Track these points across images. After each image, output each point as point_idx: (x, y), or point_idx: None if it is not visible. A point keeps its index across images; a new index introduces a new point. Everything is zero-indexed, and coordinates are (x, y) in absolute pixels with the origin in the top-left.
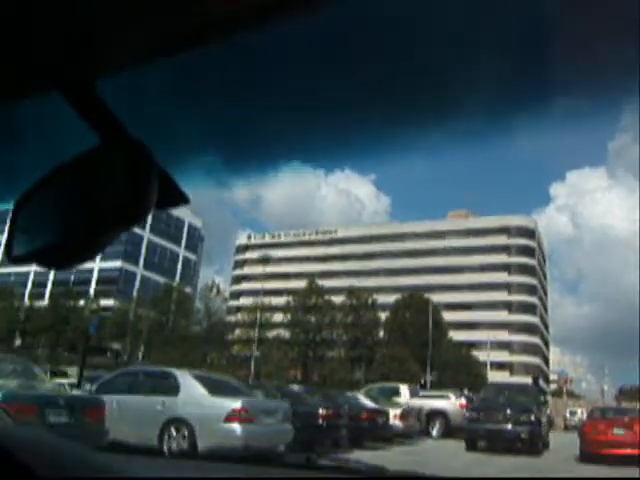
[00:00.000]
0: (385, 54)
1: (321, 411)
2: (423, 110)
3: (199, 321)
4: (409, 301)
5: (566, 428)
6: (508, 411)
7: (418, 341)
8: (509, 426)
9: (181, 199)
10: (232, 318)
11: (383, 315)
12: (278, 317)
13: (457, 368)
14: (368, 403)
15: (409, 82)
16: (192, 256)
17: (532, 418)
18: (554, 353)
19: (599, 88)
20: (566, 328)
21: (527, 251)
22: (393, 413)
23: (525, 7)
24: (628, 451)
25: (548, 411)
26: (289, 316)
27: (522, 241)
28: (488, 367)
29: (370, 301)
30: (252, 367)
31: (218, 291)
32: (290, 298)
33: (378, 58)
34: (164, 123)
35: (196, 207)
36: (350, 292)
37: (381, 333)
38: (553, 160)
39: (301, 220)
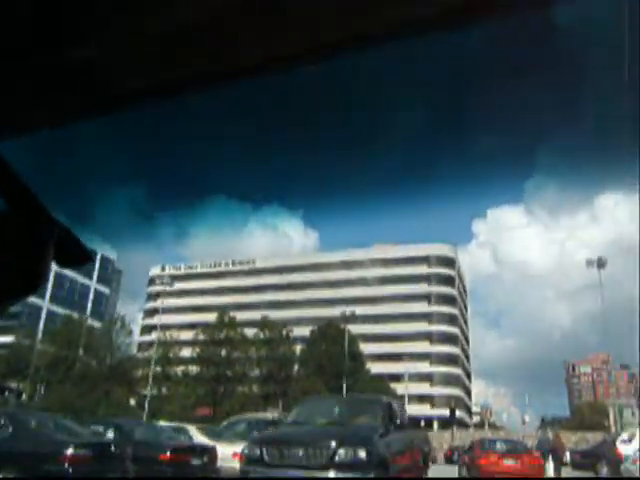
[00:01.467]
0: (309, 101)
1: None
2: (351, 154)
3: (103, 357)
4: (325, 331)
5: None
6: (328, 443)
7: (334, 373)
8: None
9: (85, 257)
10: (145, 354)
11: (301, 348)
12: (188, 352)
13: None
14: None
15: (338, 130)
16: (105, 289)
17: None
18: (479, 386)
19: (515, 128)
20: (490, 361)
21: (447, 280)
22: (232, 451)
23: (443, 58)
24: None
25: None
26: (198, 350)
27: (442, 270)
28: (406, 399)
29: (284, 333)
30: (146, 407)
31: (123, 324)
32: (200, 332)
33: (303, 102)
34: (88, 155)
35: (118, 242)
36: (263, 324)
37: (296, 367)
38: (474, 198)
39: (228, 256)
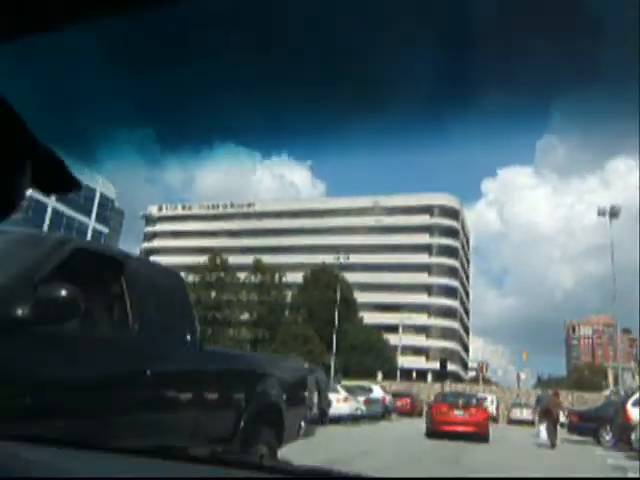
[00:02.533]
0: (324, 45)
1: None
2: (360, 102)
3: None
4: (318, 277)
5: None
6: None
7: (325, 320)
8: None
9: (69, 184)
10: None
11: (292, 293)
12: None
13: (367, 351)
14: None
15: (348, 76)
16: (104, 229)
17: None
18: (477, 342)
19: (530, 87)
20: (490, 319)
21: (450, 232)
22: None
23: (457, 7)
24: (462, 428)
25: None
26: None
27: (445, 221)
28: (399, 351)
29: (277, 278)
30: None
31: None
32: (191, 273)
33: (317, 49)
34: (90, 91)
35: (125, 185)
36: (256, 268)
37: (287, 312)
38: (485, 157)
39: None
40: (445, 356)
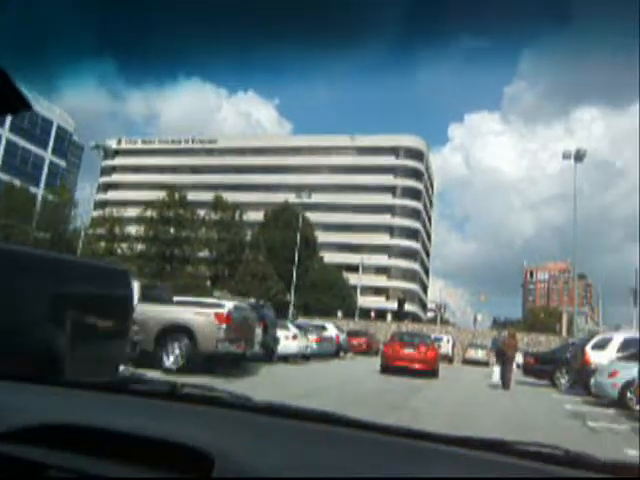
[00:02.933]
0: None
1: None
2: (328, 39)
3: (44, 228)
4: (279, 215)
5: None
6: None
7: (285, 258)
8: None
9: (20, 104)
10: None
11: (252, 231)
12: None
13: (327, 290)
14: None
15: (314, 11)
16: (61, 162)
17: None
18: (437, 284)
19: (500, 32)
20: (451, 263)
21: (415, 174)
22: None
23: None
24: (412, 365)
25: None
26: (145, 227)
27: (410, 163)
28: (358, 290)
29: (238, 216)
30: None
31: (60, 193)
32: (149, 209)
33: None
34: (50, 18)
35: (85, 118)
36: (215, 204)
37: (248, 251)
38: (454, 101)
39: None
40: (403, 296)
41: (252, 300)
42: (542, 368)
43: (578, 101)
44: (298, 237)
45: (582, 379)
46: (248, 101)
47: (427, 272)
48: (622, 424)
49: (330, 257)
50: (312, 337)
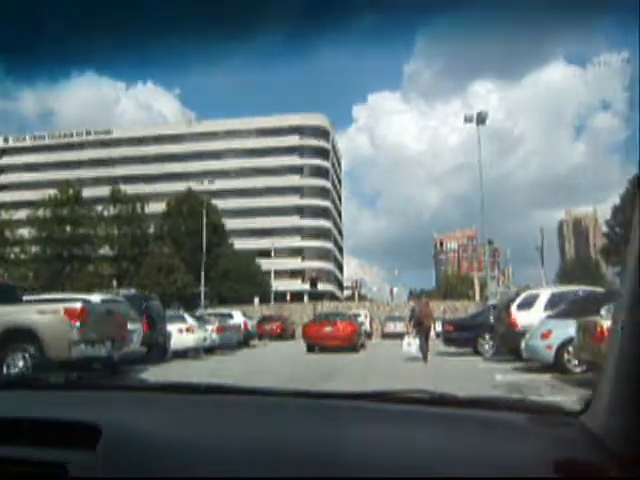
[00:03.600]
0: None
1: None
2: (227, 25)
3: None
4: (183, 202)
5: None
6: None
7: (193, 248)
8: None
9: None
10: None
11: (155, 222)
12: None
13: (239, 277)
14: None
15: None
16: None
17: None
18: (352, 263)
19: (395, 12)
20: (365, 241)
21: (321, 152)
22: None
23: None
24: (333, 342)
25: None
26: (38, 229)
27: (315, 142)
28: (272, 274)
29: (139, 208)
30: None
31: None
32: (41, 208)
33: None
34: None
35: None
36: (113, 199)
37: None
38: (356, 82)
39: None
40: (315, 275)
41: (130, 291)
42: (463, 335)
43: (474, 76)
44: (204, 224)
45: (509, 343)
46: (148, 93)
47: (341, 251)
48: (568, 393)
49: (242, 243)
50: (212, 327)
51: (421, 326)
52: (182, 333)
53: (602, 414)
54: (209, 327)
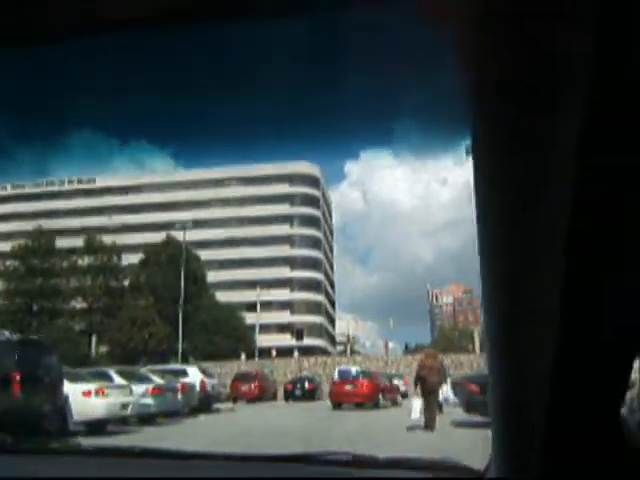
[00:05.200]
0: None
1: None
2: (224, 93)
3: None
4: (162, 250)
5: None
6: None
7: (171, 299)
8: None
9: None
10: None
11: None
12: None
13: (221, 330)
14: None
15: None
16: None
17: None
18: (346, 319)
19: (384, 71)
20: (358, 296)
21: (311, 200)
22: None
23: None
24: (355, 399)
25: None
26: (6, 280)
27: (305, 190)
28: (257, 328)
29: (115, 258)
30: None
31: None
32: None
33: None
34: None
35: None
36: (88, 248)
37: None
38: (347, 138)
39: None
40: (301, 327)
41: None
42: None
43: (462, 131)
44: (183, 274)
45: None
46: (142, 150)
47: (333, 304)
48: None
49: (228, 296)
50: (140, 389)
51: (425, 384)
52: (89, 396)
53: (496, 472)
54: (140, 388)
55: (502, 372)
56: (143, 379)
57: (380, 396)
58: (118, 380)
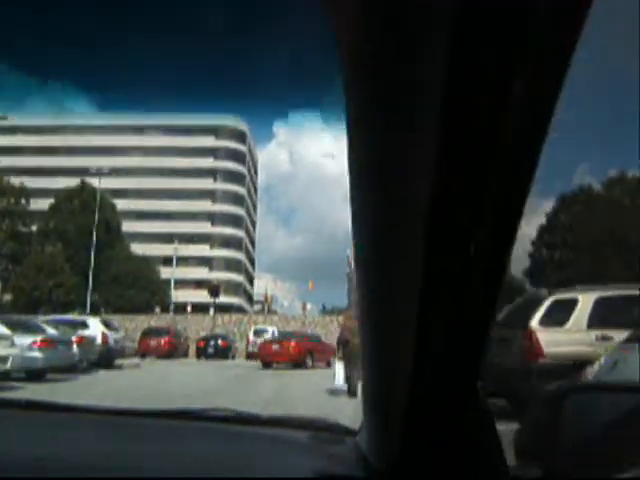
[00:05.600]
0: None
1: None
2: (152, 33)
3: None
4: (75, 196)
5: (249, 356)
6: None
7: (83, 248)
8: None
9: None
10: None
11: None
12: None
13: (134, 284)
14: None
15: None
16: None
17: None
18: (266, 279)
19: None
20: (279, 257)
21: (236, 156)
22: None
23: None
24: (282, 359)
25: None
26: None
27: (231, 144)
28: (172, 283)
29: (23, 202)
30: None
31: None
32: None
33: None
34: None
35: None
36: None
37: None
38: (278, 99)
39: None
40: (217, 283)
41: None
42: None
43: None
44: (96, 220)
45: (523, 388)
46: (60, 91)
47: (253, 263)
48: None
49: (145, 249)
50: (32, 340)
51: (346, 347)
52: None
53: (365, 432)
54: (26, 340)
55: (372, 341)
56: (33, 330)
57: (310, 357)
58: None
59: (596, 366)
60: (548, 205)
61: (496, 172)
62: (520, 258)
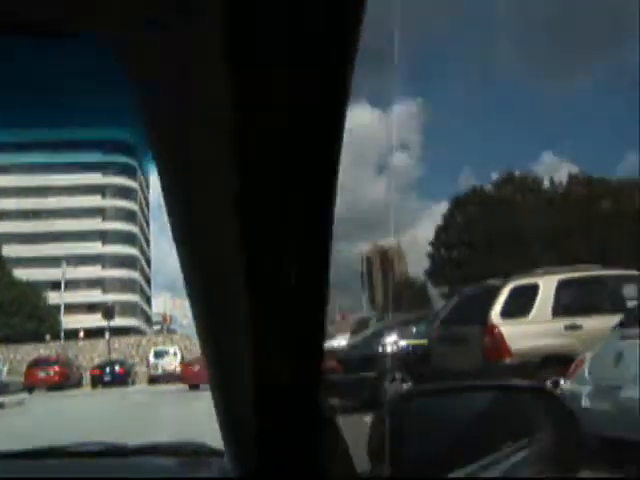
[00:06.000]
0: None
1: None
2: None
3: None
4: None
5: (152, 380)
6: None
7: None
8: None
9: None
10: None
11: None
12: None
13: (20, 312)
14: None
15: None
16: None
17: None
18: (164, 297)
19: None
20: (176, 274)
21: (126, 170)
22: None
23: None
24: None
25: None
26: None
27: (120, 159)
28: (62, 308)
29: None
30: None
31: None
32: None
33: None
34: None
35: None
36: None
37: None
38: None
39: None
40: (112, 304)
41: None
42: (358, 379)
43: None
44: None
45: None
46: None
47: (149, 282)
48: None
49: (30, 273)
50: None
51: None
52: None
53: (227, 454)
54: None
55: (212, 352)
56: None
57: None
58: None
59: (587, 359)
60: (443, 207)
61: (296, 175)
62: (420, 259)
